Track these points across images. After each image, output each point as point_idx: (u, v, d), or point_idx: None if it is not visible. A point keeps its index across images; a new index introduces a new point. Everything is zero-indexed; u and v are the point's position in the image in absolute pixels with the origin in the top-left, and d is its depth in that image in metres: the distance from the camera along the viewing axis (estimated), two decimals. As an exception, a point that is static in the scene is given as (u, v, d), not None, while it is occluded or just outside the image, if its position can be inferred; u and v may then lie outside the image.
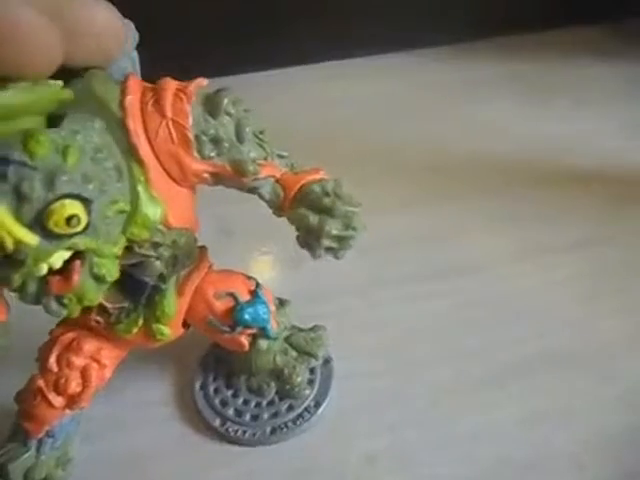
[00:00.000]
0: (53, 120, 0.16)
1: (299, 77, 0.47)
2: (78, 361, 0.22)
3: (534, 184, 0.36)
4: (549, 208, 0.35)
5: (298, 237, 0.20)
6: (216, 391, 0.27)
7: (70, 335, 0.22)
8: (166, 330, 0.22)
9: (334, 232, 0.18)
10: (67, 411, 0.22)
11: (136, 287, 0.21)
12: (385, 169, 0.36)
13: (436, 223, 0.34)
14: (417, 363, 0.28)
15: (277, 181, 0.21)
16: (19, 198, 0.14)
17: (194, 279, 0.22)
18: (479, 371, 0.27)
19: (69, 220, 0.15)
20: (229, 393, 0.27)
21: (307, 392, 0.27)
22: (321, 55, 0.47)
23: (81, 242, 0.16)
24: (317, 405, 0.26)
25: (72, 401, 0.22)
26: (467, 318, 0.29)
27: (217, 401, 0.27)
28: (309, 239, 0.19)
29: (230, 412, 0.26)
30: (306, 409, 0.26)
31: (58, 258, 0.16)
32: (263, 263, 0.33)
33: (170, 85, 0.19)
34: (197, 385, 0.27)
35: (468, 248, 0.33)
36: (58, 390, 0.22)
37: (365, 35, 0.46)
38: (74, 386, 0.22)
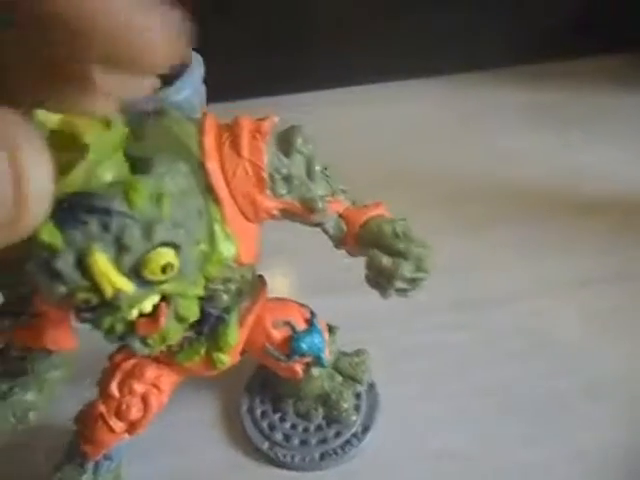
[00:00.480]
0: (134, 163, 0.16)
1: (319, 101, 0.46)
2: (139, 387, 0.22)
3: (556, 214, 0.36)
4: (571, 238, 0.34)
5: (367, 276, 0.20)
6: (263, 414, 0.27)
7: (131, 362, 0.23)
8: (226, 359, 0.22)
9: (407, 275, 0.18)
10: (126, 436, 0.23)
11: (200, 318, 0.21)
12: (406, 198, 0.35)
13: (461, 253, 0.34)
14: (461, 393, 0.28)
15: (340, 216, 0.21)
16: (120, 248, 0.15)
17: (255, 310, 0.23)
18: (521, 401, 0.27)
19: (164, 268, 0.15)
20: (276, 417, 0.27)
21: (354, 418, 0.27)
22: (342, 80, 0.47)
23: (170, 287, 0.16)
24: (365, 431, 0.27)
25: (132, 427, 0.22)
26: (502, 349, 0.29)
27: (265, 424, 0.27)
28: (380, 280, 0.19)
29: (278, 436, 0.27)
30: (354, 435, 0.26)
31: (149, 303, 0.16)
32: (292, 289, 0.33)
33: (246, 124, 0.19)
34: (244, 408, 0.28)
35: (497, 279, 0.33)
36: (119, 416, 0.22)
37: (386, 61, 0.46)
38: (135, 412, 0.22)
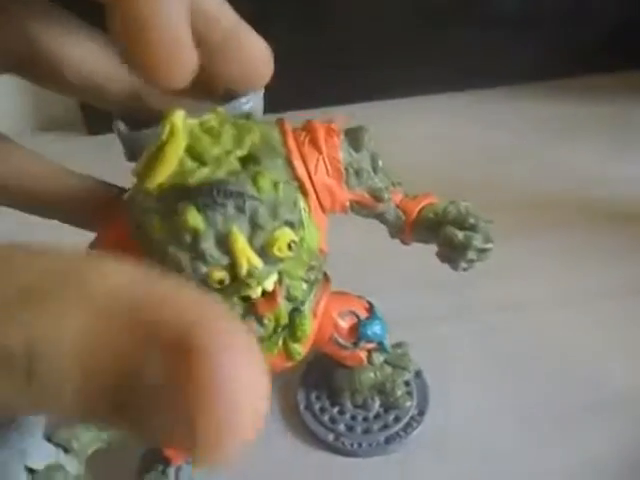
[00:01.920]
0: (243, 159, 0.18)
1: (360, 114, 0.48)
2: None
3: (592, 225, 0.37)
4: (601, 248, 0.36)
5: (439, 253, 0.22)
6: (322, 410, 0.29)
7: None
8: (301, 349, 0.24)
9: (480, 245, 0.21)
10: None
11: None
12: None
13: (508, 257, 0.34)
14: (503, 391, 0.29)
15: (397, 206, 0.23)
16: (253, 227, 0.16)
17: (323, 301, 0.24)
18: (564, 403, 0.28)
19: (289, 245, 0.17)
20: (335, 410, 0.29)
21: (409, 403, 0.28)
22: (383, 92, 0.49)
23: (287, 265, 0.18)
24: (421, 414, 0.28)
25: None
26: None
27: (326, 418, 0.28)
28: (454, 254, 0.21)
29: (342, 427, 0.28)
30: (412, 418, 0.28)
31: (271, 281, 0.18)
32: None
33: (319, 124, 0.21)
34: (302, 406, 0.29)
35: (537, 284, 0.34)
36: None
37: (427, 74, 0.48)
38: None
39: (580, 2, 0.48)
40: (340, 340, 0.25)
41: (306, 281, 0.22)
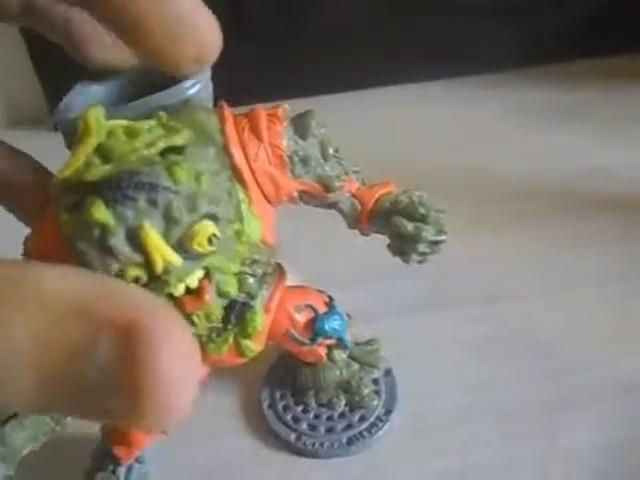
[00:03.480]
0: (171, 150, 0.17)
1: (346, 104, 0.47)
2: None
3: (582, 212, 0.36)
4: (596, 237, 0.35)
5: (390, 245, 0.21)
6: (285, 408, 0.28)
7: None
8: (253, 346, 0.23)
9: (430, 238, 0.20)
10: (162, 434, 0.23)
11: (227, 306, 0.22)
12: (431, 195, 0.34)
13: (486, 248, 0.34)
14: (479, 384, 0.28)
15: (353, 195, 0.22)
16: (168, 222, 0.16)
17: (277, 295, 0.23)
18: (545, 394, 0.27)
19: (210, 239, 0.16)
20: (299, 409, 0.28)
21: (375, 402, 0.27)
22: (367, 82, 0.48)
23: (214, 260, 0.17)
24: (388, 413, 0.27)
25: (167, 422, 0.23)
26: (525, 342, 0.30)
27: (289, 417, 0.27)
28: (405, 246, 0.20)
29: (304, 427, 0.27)
30: (378, 418, 0.27)
31: (194, 277, 0.17)
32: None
33: (261, 111, 0.20)
34: (265, 404, 0.28)
35: (522, 273, 0.33)
36: (153, 413, 0.22)
37: (409, 62, 0.47)
38: (168, 407, 0.22)
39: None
40: (296, 335, 0.24)
41: (252, 275, 0.21)
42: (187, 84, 0.20)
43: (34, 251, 0.19)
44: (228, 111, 0.20)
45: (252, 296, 0.22)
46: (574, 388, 0.27)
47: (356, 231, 0.23)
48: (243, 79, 0.37)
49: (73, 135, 0.18)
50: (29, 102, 0.50)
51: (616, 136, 0.43)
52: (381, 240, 0.23)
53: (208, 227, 0.16)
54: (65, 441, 0.25)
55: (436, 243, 0.20)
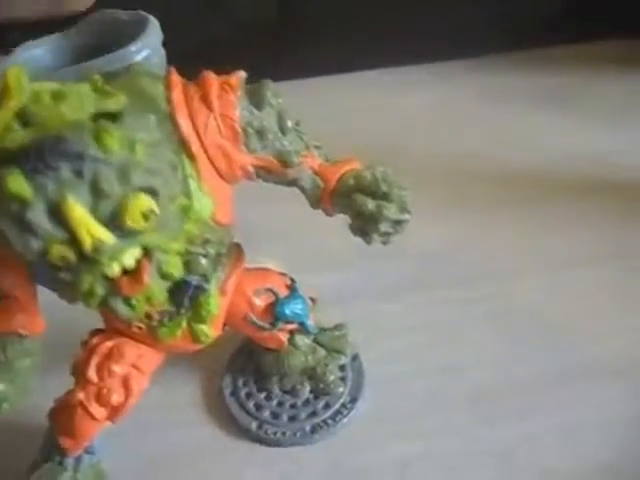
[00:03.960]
0: (105, 117, 0.16)
1: (331, 86, 0.46)
2: (119, 369, 0.21)
3: (557, 195, 0.36)
4: (570, 220, 0.34)
5: (351, 225, 0.20)
6: (248, 395, 0.27)
7: (108, 344, 0.21)
8: (209, 331, 0.22)
9: (392, 216, 0.18)
10: (108, 423, 0.22)
11: (179, 289, 0.20)
12: (415, 178, 0.34)
13: (467, 231, 0.34)
14: (451, 368, 0.27)
15: (315, 172, 0.21)
16: (96, 195, 0.14)
17: (234, 277, 0.22)
18: (519, 377, 0.27)
19: (145, 215, 0.15)
20: (262, 396, 0.27)
21: (341, 389, 0.26)
22: (351, 65, 0.47)
23: (151, 238, 0.16)
24: (353, 400, 0.26)
25: (115, 412, 0.21)
26: (501, 325, 0.29)
27: (251, 405, 0.26)
28: (366, 225, 0.19)
29: (266, 415, 0.26)
30: (343, 405, 0.26)
31: (130, 256, 0.15)
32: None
33: (213, 78, 0.19)
34: (227, 391, 0.27)
35: (498, 257, 0.32)
36: (100, 401, 0.21)
37: (395, 46, 0.46)
38: (116, 396, 0.21)
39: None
40: (255, 320, 0.23)
41: (205, 256, 0.20)
42: (133, 48, 0.19)
43: None
44: (177, 77, 0.19)
45: (206, 278, 0.21)
46: (547, 373, 0.27)
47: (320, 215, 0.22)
48: (223, 61, 0.36)
49: None
50: None
51: (601, 120, 0.42)
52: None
53: (143, 201, 0.15)
54: (12, 429, 0.24)
55: (399, 222, 0.19)
